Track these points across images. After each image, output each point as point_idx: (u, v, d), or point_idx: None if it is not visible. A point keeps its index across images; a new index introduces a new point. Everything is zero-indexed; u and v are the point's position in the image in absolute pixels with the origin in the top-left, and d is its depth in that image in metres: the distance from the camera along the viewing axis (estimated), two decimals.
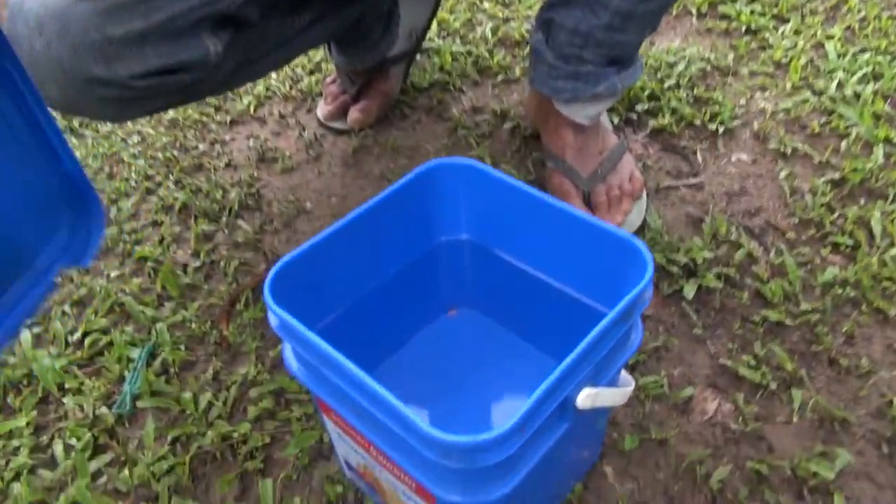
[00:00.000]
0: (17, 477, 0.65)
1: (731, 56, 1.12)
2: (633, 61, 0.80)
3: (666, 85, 1.05)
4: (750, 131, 0.98)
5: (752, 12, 1.20)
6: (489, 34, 1.22)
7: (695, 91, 1.04)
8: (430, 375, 0.61)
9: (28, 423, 0.69)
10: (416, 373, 0.61)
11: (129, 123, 1.13)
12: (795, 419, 0.65)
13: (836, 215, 0.84)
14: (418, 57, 1.20)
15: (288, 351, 0.50)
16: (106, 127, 1.13)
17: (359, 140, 1.03)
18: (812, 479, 0.61)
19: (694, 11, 1.24)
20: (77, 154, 1.04)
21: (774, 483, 0.61)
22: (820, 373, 0.69)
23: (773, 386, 0.67)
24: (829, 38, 1.12)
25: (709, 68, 1.10)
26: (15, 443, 0.68)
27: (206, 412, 0.69)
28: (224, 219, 0.92)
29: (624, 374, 0.56)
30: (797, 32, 1.15)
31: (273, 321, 0.47)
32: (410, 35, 1.08)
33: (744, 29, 1.18)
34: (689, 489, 0.61)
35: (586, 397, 0.44)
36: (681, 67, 1.09)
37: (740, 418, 0.66)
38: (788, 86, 1.04)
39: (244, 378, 0.71)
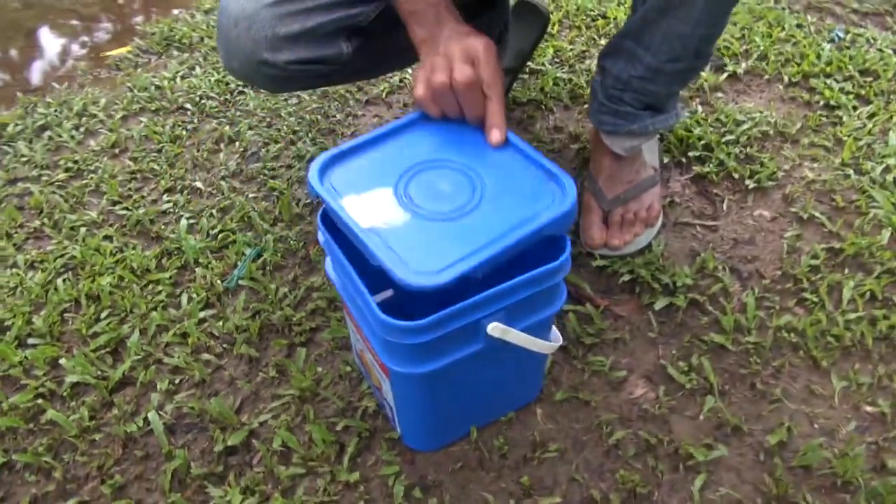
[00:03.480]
0: (155, 308, 0.97)
1: (798, 125, 1.23)
2: (666, 109, 0.97)
3: (724, 139, 1.20)
4: (782, 193, 1.11)
5: (840, 90, 1.30)
6: (594, 67, 1.41)
7: (748, 150, 1.18)
8: None
9: (170, 277, 1.02)
10: None
11: None
12: (700, 418, 0.82)
13: (817, 276, 0.97)
14: (527, 76, 1.42)
15: (328, 262, 0.76)
16: None
17: None
18: (689, 459, 0.78)
19: (786, 79, 1.36)
20: (251, 104, 1.38)
21: (659, 453, 0.79)
22: (739, 391, 0.85)
23: (693, 390, 0.84)
24: None
25: (772, 132, 1.22)
26: (159, 287, 1.00)
27: (280, 300, 0.97)
28: None
29: (555, 332, 0.77)
30: (872, 116, 1.24)
31: (320, 238, 0.73)
32: (517, 55, 1.31)
33: (823, 103, 1.28)
34: (593, 440, 0.81)
35: (494, 328, 0.66)
36: (745, 126, 1.23)
37: (657, 405, 0.84)
38: (837, 161, 1.15)
39: (312, 285, 0.99)
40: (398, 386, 0.72)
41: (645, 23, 0.87)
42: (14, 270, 1.05)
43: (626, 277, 0.97)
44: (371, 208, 0.66)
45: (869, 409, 0.82)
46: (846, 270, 0.97)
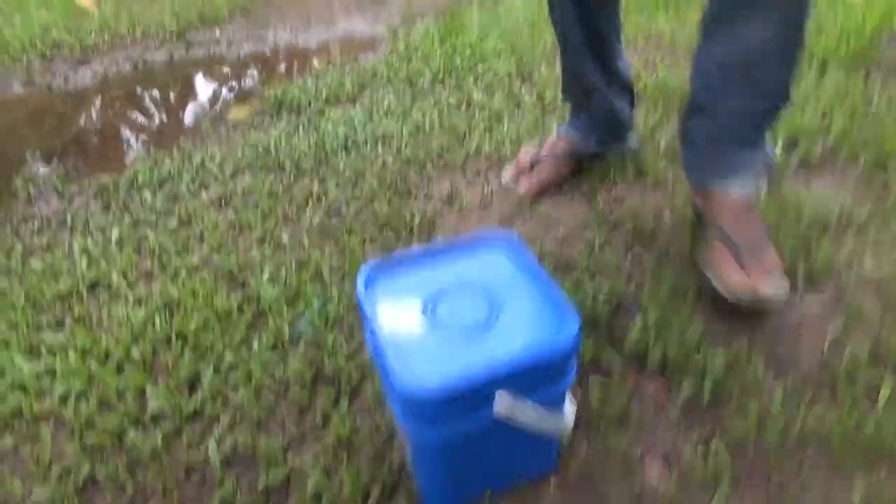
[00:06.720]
0: (230, 348, 1.11)
1: (868, 210, 1.21)
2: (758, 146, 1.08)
3: (780, 223, 1.20)
4: (835, 285, 1.10)
5: None
6: (661, 147, 1.45)
7: (804, 237, 1.18)
8: None
9: (246, 322, 1.15)
10: None
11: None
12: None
13: (856, 373, 0.95)
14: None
15: (367, 334, 0.86)
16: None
17: (518, 202, 1.36)
18: None
19: (863, 159, 1.33)
20: (341, 164, 1.52)
21: None
22: (755, 482, 0.86)
23: (705, 478, 0.86)
24: None
25: (834, 220, 1.21)
26: (236, 330, 1.14)
27: (336, 351, 1.08)
28: (403, 234, 1.32)
29: (568, 407, 0.83)
30: None
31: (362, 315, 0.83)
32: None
33: None
34: None
35: (501, 402, 0.73)
36: (806, 210, 1.22)
37: (668, 489, 0.86)
38: None
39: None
40: (415, 448, 0.80)
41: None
42: (123, 306, 1.23)
43: (658, 356, 1.00)
44: (398, 316, 0.79)
45: None
46: (886, 370, 0.95)
